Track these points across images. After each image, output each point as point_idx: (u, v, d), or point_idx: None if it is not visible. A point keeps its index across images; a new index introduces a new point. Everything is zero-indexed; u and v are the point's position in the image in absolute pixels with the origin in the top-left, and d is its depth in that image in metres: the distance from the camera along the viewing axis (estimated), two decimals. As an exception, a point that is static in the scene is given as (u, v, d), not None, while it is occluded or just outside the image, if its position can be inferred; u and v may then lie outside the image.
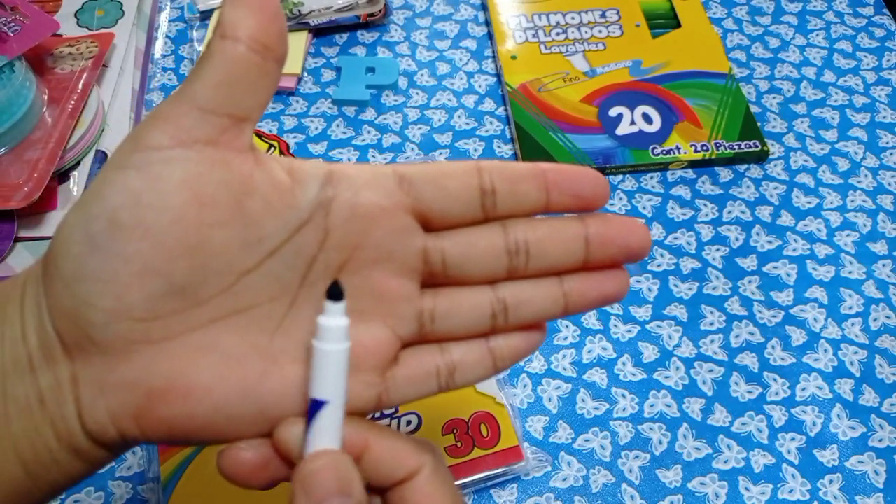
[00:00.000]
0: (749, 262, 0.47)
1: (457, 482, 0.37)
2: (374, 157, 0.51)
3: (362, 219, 0.22)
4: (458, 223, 0.23)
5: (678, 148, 0.50)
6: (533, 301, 0.23)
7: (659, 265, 0.46)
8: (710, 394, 0.41)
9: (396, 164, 0.23)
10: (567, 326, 0.44)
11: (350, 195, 0.22)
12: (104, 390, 0.20)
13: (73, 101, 0.48)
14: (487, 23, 0.59)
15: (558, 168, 0.23)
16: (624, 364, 0.43)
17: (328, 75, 0.55)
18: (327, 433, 0.21)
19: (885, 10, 0.60)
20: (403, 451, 0.22)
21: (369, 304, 0.22)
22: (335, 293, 0.21)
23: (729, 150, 0.50)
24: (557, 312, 0.24)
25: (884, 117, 0.54)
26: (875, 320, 0.44)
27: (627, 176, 0.50)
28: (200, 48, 0.56)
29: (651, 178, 0.50)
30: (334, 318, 0.21)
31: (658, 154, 0.50)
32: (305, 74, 0.55)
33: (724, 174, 0.51)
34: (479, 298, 0.23)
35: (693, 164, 0.51)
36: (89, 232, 0.19)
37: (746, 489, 0.39)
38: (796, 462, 0.39)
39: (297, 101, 0.54)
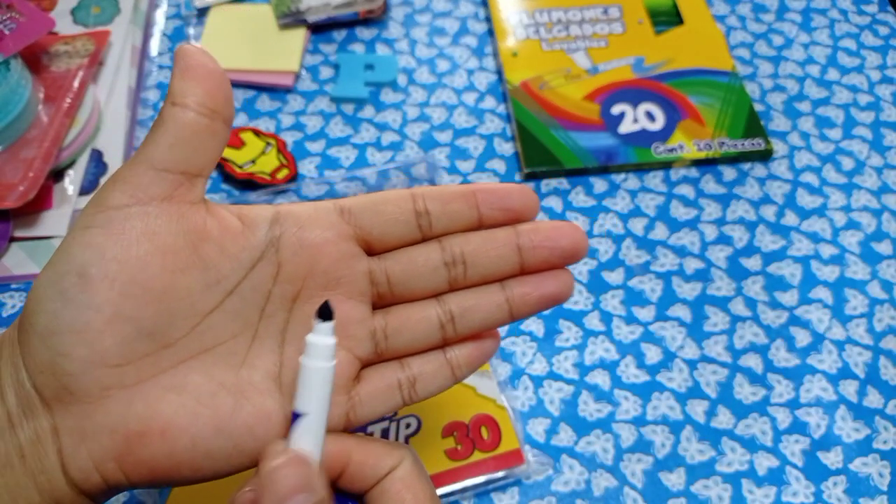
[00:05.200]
0: (753, 263, 0.46)
1: (457, 485, 0.37)
2: (372, 155, 0.50)
3: (309, 250, 0.24)
4: (398, 244, 0.25)
5: (681, 146, 0.50)
6: (477, 307, 0.25)
7: (662, 265, 0.46)
8: (713, 396, 0.41)
9: (336, 199, 0.25)
10: (569, 328, 0.43)
11: (296, 230, 0.24)
12: (84, 437, 0.21)
13: (68, 100, 0.47)
14: (488, 19, 0.58)
15: (487, 187, 0.25)
16: (627, 366, 0.42)
17: (326, 72, 0.55)
18: (307, 445, 0.21)
19: (889, 8, 0.60)
20: (383, 451, 0.23)
21: None
22: (325, 313, 0.22)
23: (733, 149, 0.50)
24: (504, 317, 0.25)
25: (888, 116, 0.53)
26: (880, 321, 0.44)
27: (630, 174, 0.50)
28: (198, 45, 0.55)
29: (654, 176, 0.50)
30: (322, 336, 0.22)
31: (661, 152, 0.49)
32: (303, 72, 0.55)
33: (728, 173, 0.50)
34: (427, 311, 0.25)
35: (697, 163, 0.50)
36: (61, 288, 0.21)
37: (750, 492, 0.38)
38: (800, 464, 0.39)
39: (295, 99, 0.53)
